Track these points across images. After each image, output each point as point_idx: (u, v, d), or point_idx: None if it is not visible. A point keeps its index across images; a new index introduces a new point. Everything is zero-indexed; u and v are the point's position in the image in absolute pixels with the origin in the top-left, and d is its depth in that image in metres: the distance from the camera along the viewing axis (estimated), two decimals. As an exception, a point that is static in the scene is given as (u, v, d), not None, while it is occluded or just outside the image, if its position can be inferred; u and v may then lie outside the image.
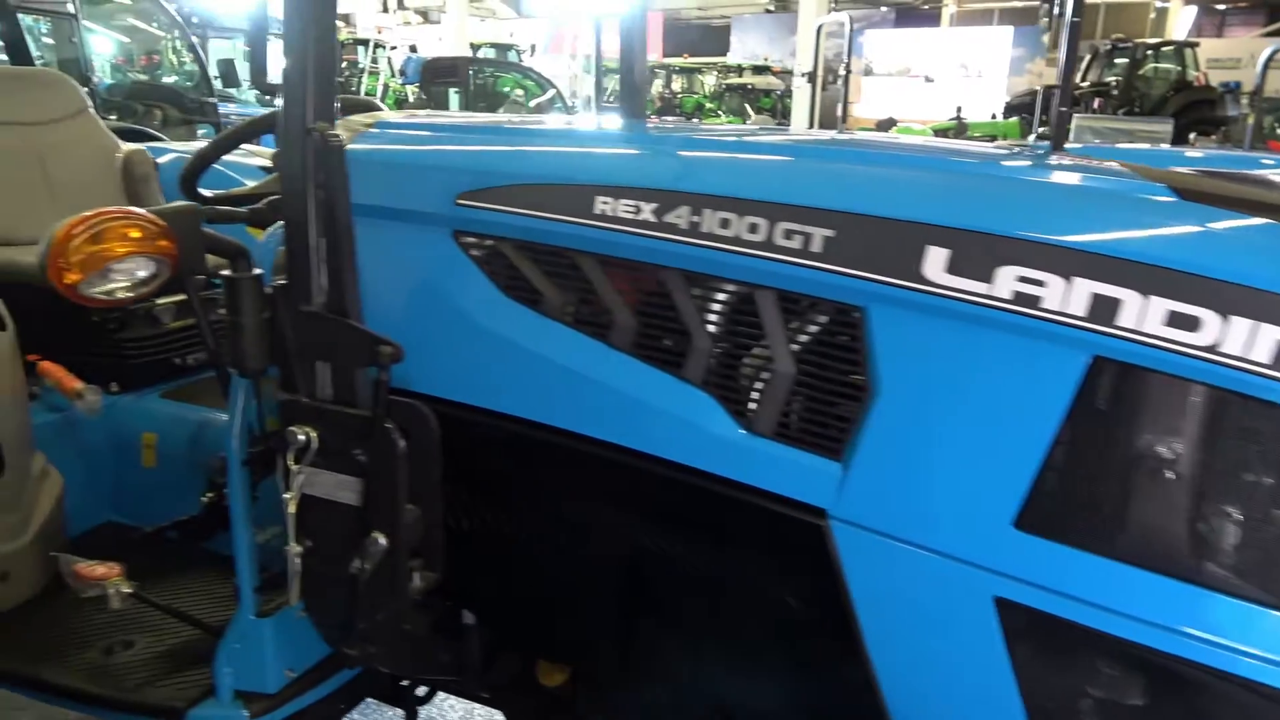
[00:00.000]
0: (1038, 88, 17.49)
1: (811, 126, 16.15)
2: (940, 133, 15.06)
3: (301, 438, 1.46)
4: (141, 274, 1.49)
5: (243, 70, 7.93)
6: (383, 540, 1.42)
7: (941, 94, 21.47)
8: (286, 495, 1.47)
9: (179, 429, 2.27)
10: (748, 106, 22.05)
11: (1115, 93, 18.14)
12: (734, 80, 23.26)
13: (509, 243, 1.45)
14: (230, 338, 1.47)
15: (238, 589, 1.69)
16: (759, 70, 24.11)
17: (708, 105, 22.62)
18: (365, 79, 17.70)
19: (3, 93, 2.58)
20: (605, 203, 1.31)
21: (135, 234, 1.43)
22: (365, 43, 18.41)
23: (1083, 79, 17.87)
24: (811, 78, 11.35)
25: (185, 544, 2.00)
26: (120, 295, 1.49)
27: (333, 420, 1.44)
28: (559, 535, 1.48)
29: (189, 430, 2.26)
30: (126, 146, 2.84)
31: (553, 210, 1.35)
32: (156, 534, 2.00)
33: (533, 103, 12.90)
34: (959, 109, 16.60)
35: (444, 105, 13.75)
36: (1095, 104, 17.65)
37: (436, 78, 11.54)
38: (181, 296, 2.48)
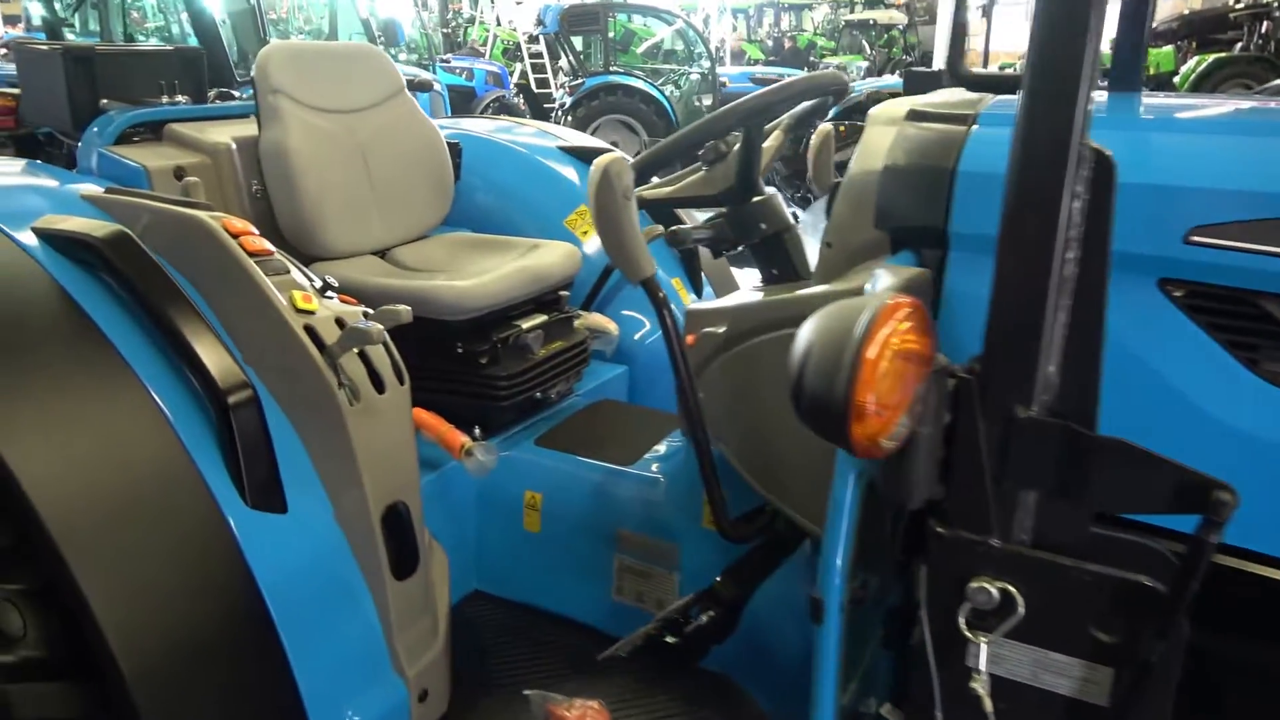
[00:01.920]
0: (1184, 11, 15.98)
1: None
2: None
3: (994, 594, 1.00)
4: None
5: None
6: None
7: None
8: (976, 680, 1.02)
9: (572, 489, 1.86)
10: (866, 44, 20.87)
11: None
12: (852, 16, 22.03)
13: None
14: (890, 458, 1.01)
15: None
16: (871, 3, 22.79)
17: (820, 43, 21.50)
18: (476, 29, 17.22)
19: (322, 74, 2.16)
20: None
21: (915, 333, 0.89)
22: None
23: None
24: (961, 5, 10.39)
25: (644, 654, 1.58)
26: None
27: (1066, 580, 0.98)
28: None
29: (584, 491, 1.85)
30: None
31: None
32: (641, 647, 1.55)
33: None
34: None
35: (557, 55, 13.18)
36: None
37: (575, 26, 11.08)
38: (544, 318, 2.06)
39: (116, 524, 1.25)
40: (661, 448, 1.91)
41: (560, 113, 10.74)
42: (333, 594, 1.42)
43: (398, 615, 1.49)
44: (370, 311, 1.57)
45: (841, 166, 4.33)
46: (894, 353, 0.79)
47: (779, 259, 1.65)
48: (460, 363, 1.92)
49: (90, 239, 1.40)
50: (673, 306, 1.43)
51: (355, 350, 1.46)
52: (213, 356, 1.36)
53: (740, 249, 1.71)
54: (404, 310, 1.46)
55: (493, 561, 1.94)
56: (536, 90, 13.09)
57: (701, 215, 2.18)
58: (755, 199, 1.62)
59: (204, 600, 1.30)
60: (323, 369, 1.42)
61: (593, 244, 2.51)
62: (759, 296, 1.56)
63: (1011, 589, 1.00)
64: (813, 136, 1.87)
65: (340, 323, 1.50)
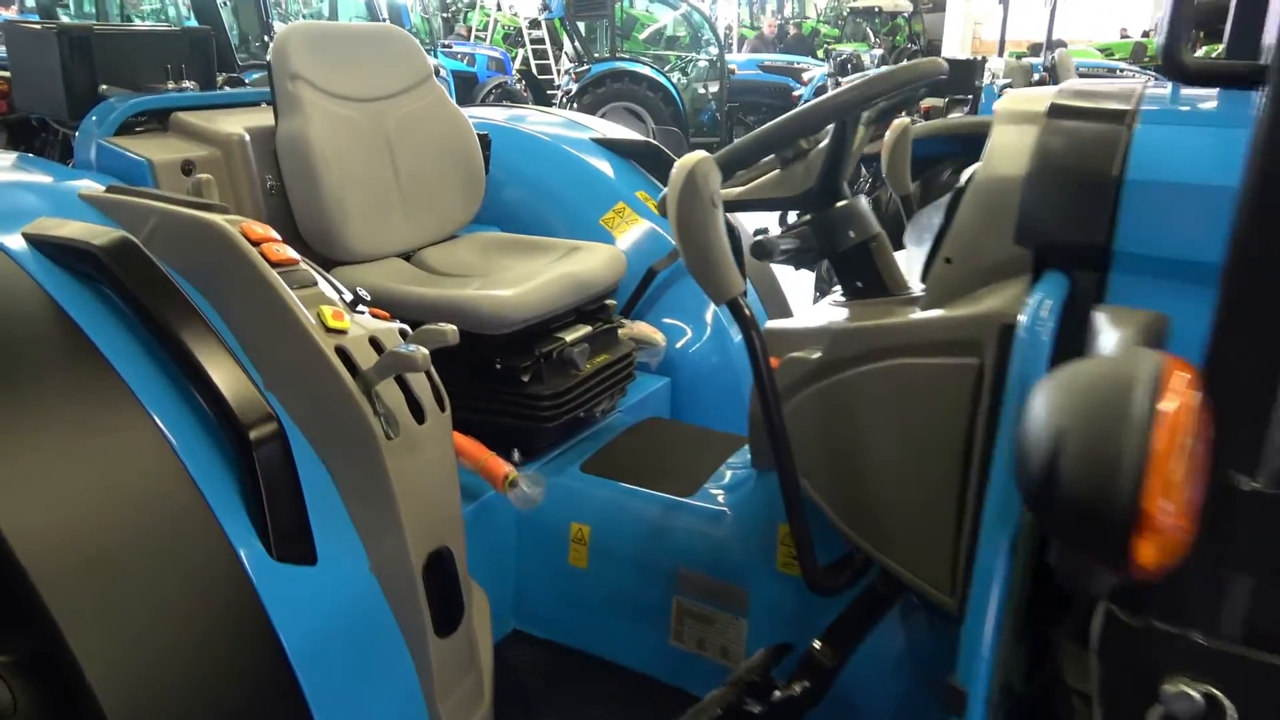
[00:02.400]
0: None
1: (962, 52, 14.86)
2: (1112, 55, 13.67)
3: (1197, 699, 0.82)
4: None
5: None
6: None
7: (1079, 10, 19.63)
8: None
9: (624, 521, 1.68)
10: (870, 32, 20.61)
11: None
12: (857, 3, 21.77)
13: None
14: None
15: None
16: (878, -11, 22.50)
17: (824, 30, 21.22)
18: (476, 13, 16.93)
19: (345, 58, 1.96)
20: None
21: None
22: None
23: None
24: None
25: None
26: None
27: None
28: None
29: (639, 524, 1.67)
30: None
31: None
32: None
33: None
34: (1123, 29, 15.10)
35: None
36: None
37: (582, 10, 10.83)
38: (588, 329, 1.87)
39: (118, 581, 1.06)
40: (725, 475, 1.73)
41: (565, 99, 10.52)
42: (369, 657, 1.24)
43: (441, 677, 1.31)
44: (407, 329, 1.38)
45: (868, 161, 4.09)
46: (1185, 439, 0.60)
47: (865, 270, 1.46)
48: (499, 380, 1.73)
49: (90, 247, 1.21)
50: (760, 326, 1.25)
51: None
52: (230, 383, 1.18)
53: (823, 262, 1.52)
54: (450, 331, 1.27)
55: (534, 599, 1.75)
56: (539, 76, 12.85)
57: (754, 218, 2.00)
58: (840, 203, 1.44)
59: (220, 667, 1.11)
60: (357, 398, 1.24)
61: (627, 242, 2.32)
62: (850, 315, 1.38)
63: (1219, 695, 0.82)
64: (887, 132, 1.69)
65: (375, 343, 1.31)
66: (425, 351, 1.21)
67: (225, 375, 1.18)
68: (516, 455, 1.78)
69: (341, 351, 1.27)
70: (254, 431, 1.17)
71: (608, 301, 1.96)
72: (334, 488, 1.26)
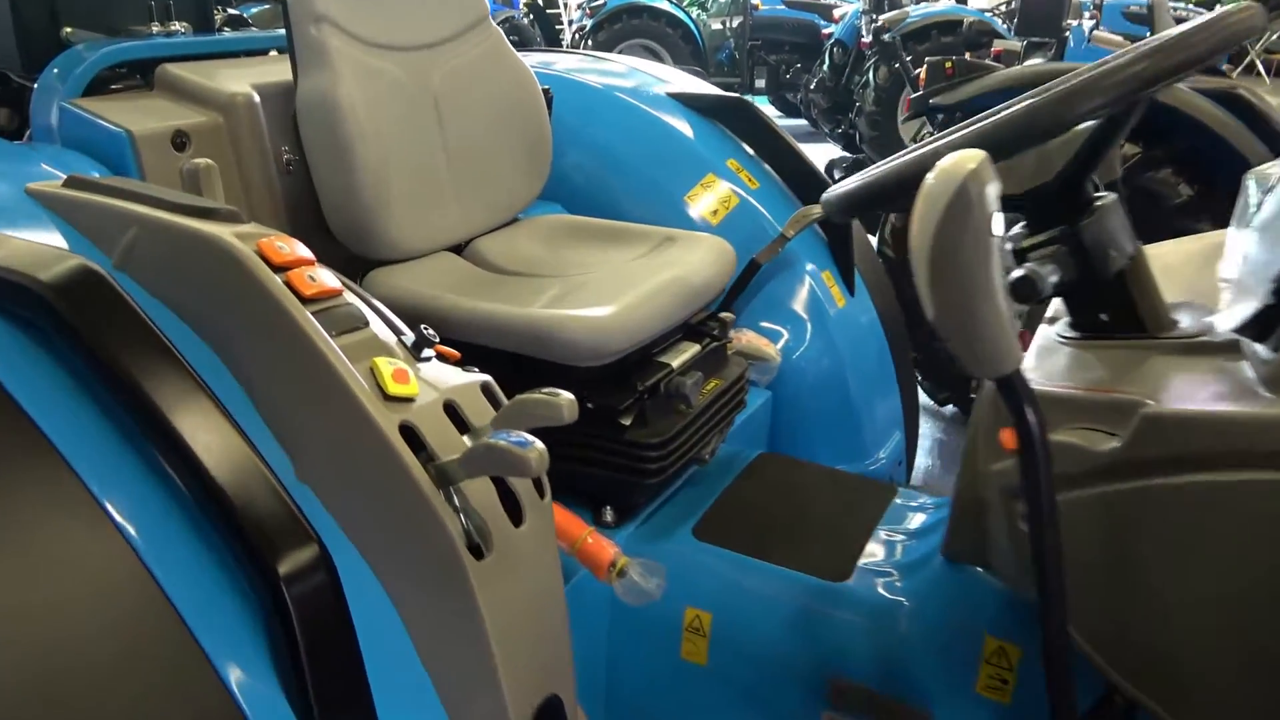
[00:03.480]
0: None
1: None
2: None
3: None
4: None
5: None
6: None
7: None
8: None
9: (756, 609, 1.30)
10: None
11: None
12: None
13: None
14: None
15: None
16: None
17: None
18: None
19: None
20: None
21: None
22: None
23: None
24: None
25: None
26: None
27: None
28: None
29: (776, 613, 1.28)
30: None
31: None
32: None
33: None
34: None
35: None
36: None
37: None
38: (695, 348, 1.48)
39: None
40: (888, 548, 1.34)
41: (579, 37, 9.94)
42: None
43: None
44: (490, 384, 0.99)
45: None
46: None
47: (1118, 299, 1.06)
48: (590, 422, 1.33)
49: (33, 283, 0.80)
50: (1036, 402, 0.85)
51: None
52: (245, 482, 0.79)
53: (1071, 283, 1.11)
54: (566, 406, 0.87)
55: (632, 698, 1.38)
56: (547, 10, 12.18)
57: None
58: (1095, 207, 1.03)
59: None
60: (432, 503, 0.85)
61: (724, 226, 1.90)
62: (1108, 368, 0.98)
63: None
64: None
65: (452, 411, 0.92)
66: (540, 450, 0.81)
67: (238, 471, 0.79)
68: (609, 514, 1.39)
69: (408, 431, 0.87)
70: (286, 560, 0.78)
71: (723, 315, 1.55)
72: (403, 631, 0.88)
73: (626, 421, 1.33)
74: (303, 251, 0.95)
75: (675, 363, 1.41)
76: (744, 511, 1.43)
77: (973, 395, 1.33)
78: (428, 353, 0.99)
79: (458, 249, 1.61)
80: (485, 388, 0.99)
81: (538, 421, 0.90)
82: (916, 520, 1.43)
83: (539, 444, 0.82)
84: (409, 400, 0.89)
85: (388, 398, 0.88)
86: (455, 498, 0.87)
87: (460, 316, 1.32)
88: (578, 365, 1.28)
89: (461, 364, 1.06)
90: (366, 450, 0.86)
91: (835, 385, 1.90)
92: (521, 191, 1.71)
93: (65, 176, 1.01)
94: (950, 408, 3.26)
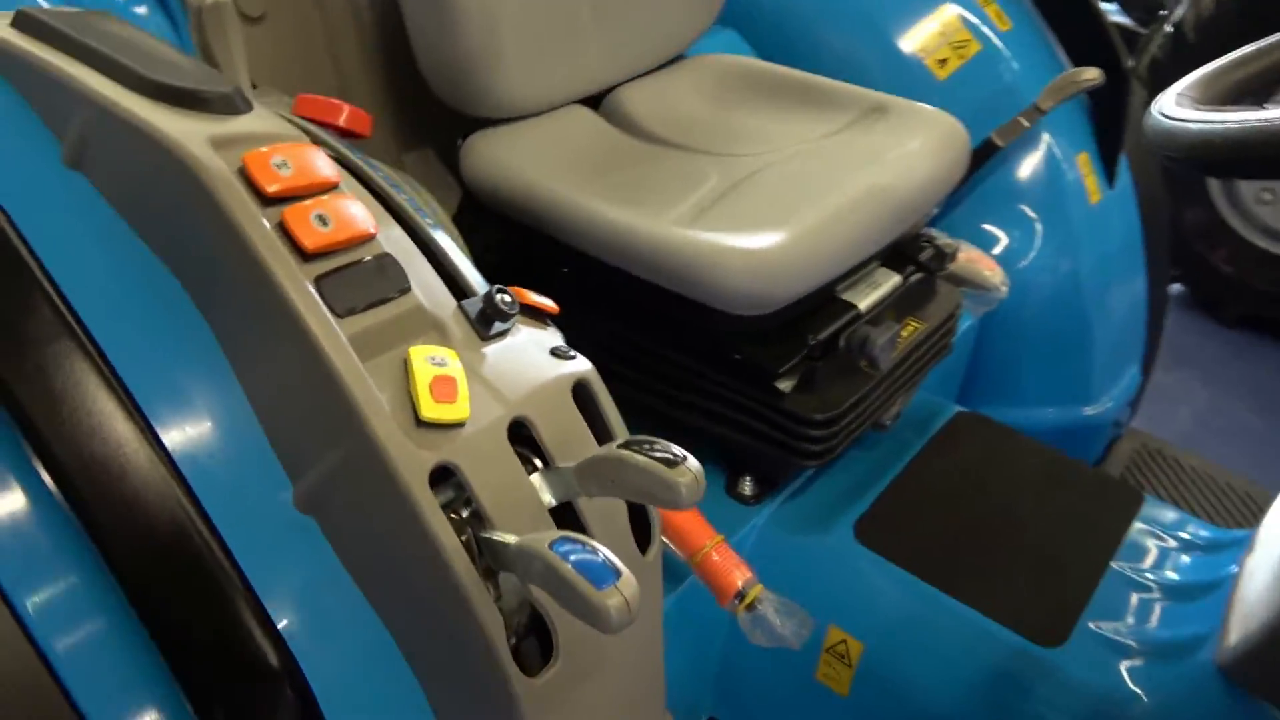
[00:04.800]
0: None
1: None
2: None
3: None
4: None
5: None
6: None
7: None
8: None
9: (927, 649, 0.98)
10: None
11: None
12: None
13: None
14: None
15: None
16: None
17: None
18: None
19: None
20: None
21: None
22: None
23: None
24: None
25: None
26: None
27: None
28: None
29: (956, 659, 0.96)
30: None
31: None
32: None
33: None
34: None
35: None
36: None
37: None
38: (896, 280, 1.09)
39: None
40: (1140, 610, 0.97)
41: None
42: None
43: None
44: (592, 387, 0.67)
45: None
46: None
47: None
48: (738, 379, 0.99)
49: None
50: None
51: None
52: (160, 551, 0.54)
53: None
54: (688, 488, 0.54)
55: (748, 704, 1.12)
56: None
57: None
58: None
59: None
60: (468, 595, 0.56)
61: (954, 85, 1.42)
62: None
63: None
64: None
65: (522, 433, 0.62)
66: (629, 593, 0.49)
67: (148, 532, 0.53)
68: (748, 485, 1.07)
69: (445, 474, 0.57)
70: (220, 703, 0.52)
71: (941, 240, 1.13)
72: None
73: (786, 387, 0.98)
74: (322, 166, 0.62)
75: (864, 303, 1.03)
76: (925, 508, 1.08)
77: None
78: (500, 326, 0.67)
79: (595, 102, 1.22)
80: (580, 387, 0.67)
81: (641, 498, 0.57)
82: (1175, 563, 1.04)
83: (629, 580, 0.49)
84: (454, 427, 0.58)
85: (421, 423, 0.58)
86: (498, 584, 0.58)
87: (579, 223, 0.97)
88: (731, 313, 0.92)
89: (564, 319, 0.74)
90: (383, 496, 0.57)
91: (1067, 310, 1.46)
92: (687, 19, 1.28)
93: (14, 11, 0.70)
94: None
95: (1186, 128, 0.66)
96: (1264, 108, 0.74)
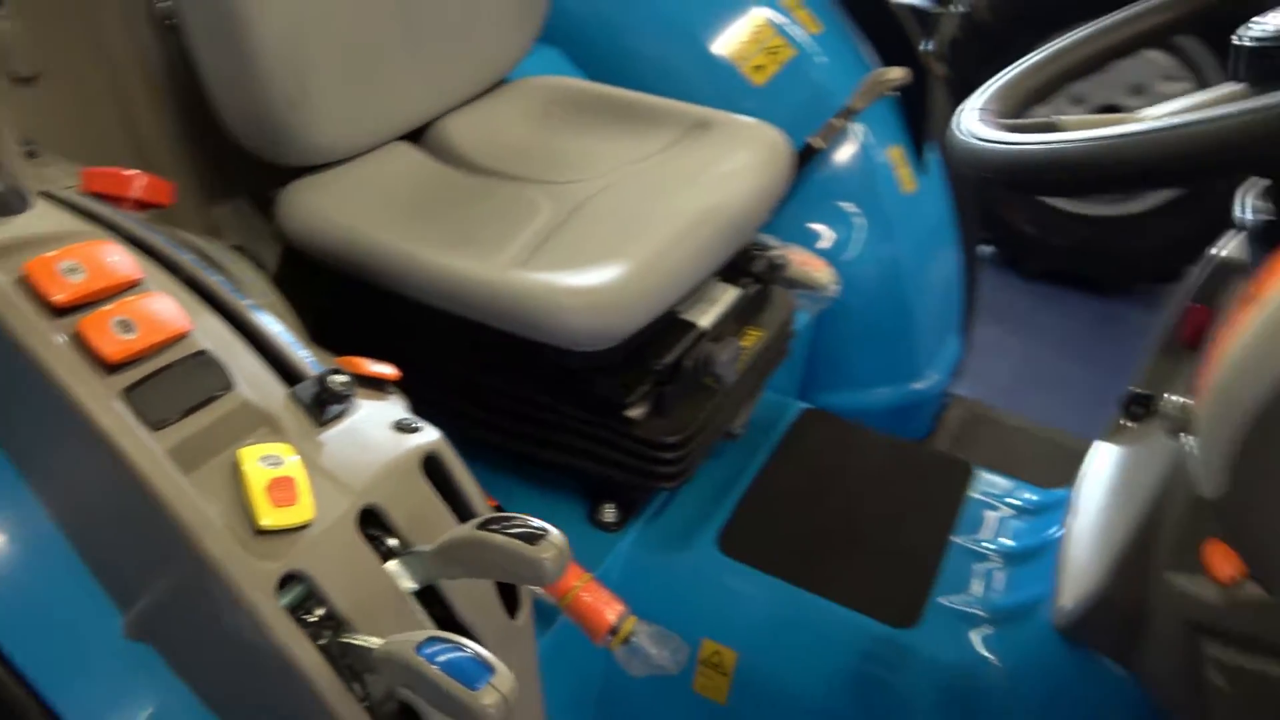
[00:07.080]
0: None
1: None
2: None
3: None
4: None
5: None
6: None
7: None
8: None
9: (795, 651, 1.01)
10: None
11: None
12: None
13: None
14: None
15: None
16: None
17: None
18: None
19: None
20: None
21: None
22: None
23: None
24: None
25: None
26: None
27: None
28: None
29: (822, 658, 1.00)
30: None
31: None
32: None
33: None
34: None
35: None
36: None
37: None
38: (734, 294, 1.12)
39: None
40: (983, 578, 1.03)
41: None
42: None
43: None
44: (443, 459, 0.65)
45: None
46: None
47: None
48: (589, 412, 0.99)
49: None
50: None
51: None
52: None
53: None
54: (552, 561, 0.54)
55: (631, 721, 1.13)
56: None
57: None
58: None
59: None
60: (330, 704, 0.54)
61: (771, 92, 1.46)
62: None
63: None
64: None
65: (374, 517, 0.60)
66: (506, 689, 0.48)
67: None
68: (610, 512, 1.08)
69: (294, 583, 0.54)
70: None
71: (772, 250, 1.16)
72: None
73: (636, 414, 0.99)
74: (119, 264, 0.58)
75: (705, 321, 1.05)
76: (781, 510, 1.12)
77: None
78: (337, 409, 0.64)
79: (415, 136, 1.19)
80: (429, 460, 0.65)
81: (504, 577, 0.57)
82: (1007, 530, 1.12)
83: (504, 675, 0.49)
84: (299, 529, 0.56)
85: (260, 533, 0.55)
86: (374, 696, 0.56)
87: (410, 273, 0.94)
88: (573, 350, 0.92)
89: (408, 384, 0.72)
90: (227, 615, 0.54)
91: (890, 295, 1.54)
92: (505, 42, 1.26)
93: None
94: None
95: (992, 149, 0.71)
96: (1059, 119, 0.80)
